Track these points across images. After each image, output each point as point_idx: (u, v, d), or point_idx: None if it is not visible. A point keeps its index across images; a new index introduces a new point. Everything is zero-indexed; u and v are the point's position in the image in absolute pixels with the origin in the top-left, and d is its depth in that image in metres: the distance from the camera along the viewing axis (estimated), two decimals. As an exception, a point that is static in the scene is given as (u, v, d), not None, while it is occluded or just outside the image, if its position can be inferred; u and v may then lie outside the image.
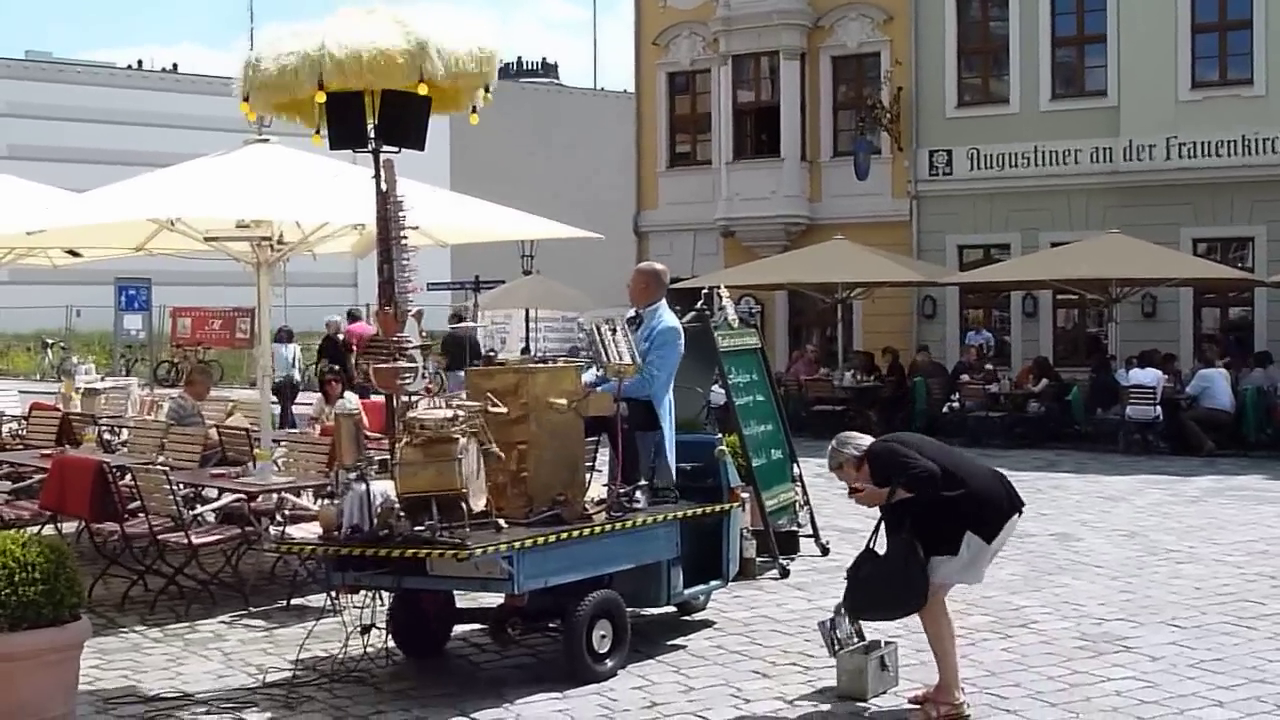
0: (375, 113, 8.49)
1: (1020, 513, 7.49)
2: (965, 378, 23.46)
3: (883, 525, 7.43)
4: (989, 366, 24.31)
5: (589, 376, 9.25)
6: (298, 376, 24.81)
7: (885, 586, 7.27)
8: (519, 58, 72.77)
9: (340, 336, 24.63)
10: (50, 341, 42.86)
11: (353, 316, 27.58)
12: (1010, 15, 26.98)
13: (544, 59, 76.00)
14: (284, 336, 25.38)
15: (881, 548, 7.39)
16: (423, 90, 8.31)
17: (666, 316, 9.41)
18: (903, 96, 27.76)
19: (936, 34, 27.61)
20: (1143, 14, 25.19)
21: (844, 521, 13.13)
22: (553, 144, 58.13)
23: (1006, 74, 27.14)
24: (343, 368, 19.06)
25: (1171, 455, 20.38)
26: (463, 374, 20.17)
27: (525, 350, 24.70)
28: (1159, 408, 20.90)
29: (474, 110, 8.90)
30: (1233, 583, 10.93)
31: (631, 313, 9.55)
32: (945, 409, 23.15)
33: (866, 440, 7.56)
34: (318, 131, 8.64)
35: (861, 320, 27.81)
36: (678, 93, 31.19)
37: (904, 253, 26.93)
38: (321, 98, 8.37)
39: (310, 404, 17.65)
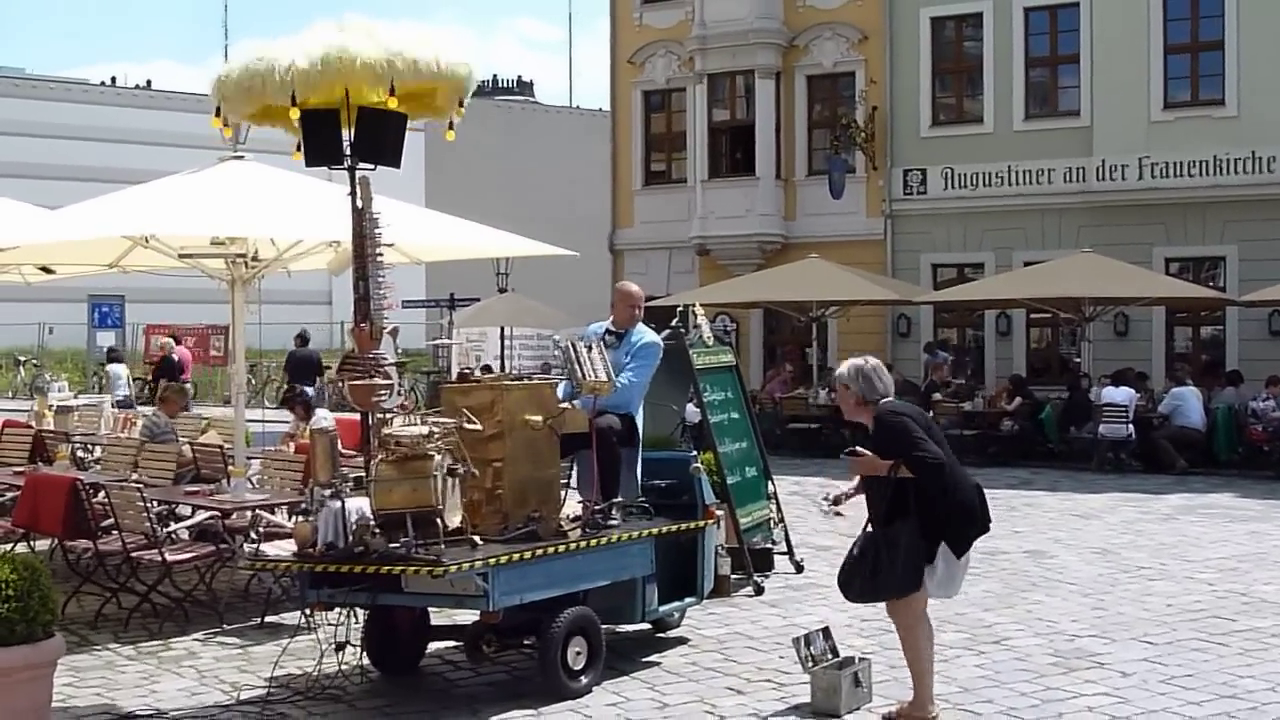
0: (351, 130, 8.51)
1: (987, 529, 7.49)
2: (938, 396, 23.54)
3: (868, 506, 7.36)
4: (957, 381, 24.41)
5: (562, 393, 9.27)
6: (129, 394, 25.58)
7: (891, 566, 7.14)
8: (494, 75, 72.80)
9: (174, 357, 27.15)
10: (23, 359, 42.62)
11: (177, 340, 29.72)
12: (984, 35, 27.17)
13: (519, 77, 76.02)
14: (115, 357, 27.47)
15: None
16: (393, 104, 8.33)
17: (648, 333, 9.69)
18: (877, 116, 27.90)
19: (911, 54, 27.76)
20: (1116, 35, 25.39)
21: (819, 539, 13.17)
22: (528, 162, 58.15)
23: (981, 94, 27.32)
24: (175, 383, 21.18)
25: (1144, 473, 20.49)
26: (311, 386, 19.92)
27: (486, 369, 24.69)
28: (1131, 426, 21.01)
29: (450, 126, 8.92)
30: (1204, 600, 11.00)
31: (600, 327, 9.65)
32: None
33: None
34: (299, 148, 8.64)
35: (836, 339, 27.88)
36: (653, 111, 31.27)
37: (878, 271, 27.03)
38: (295, 114, 8.39)
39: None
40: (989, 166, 26.81)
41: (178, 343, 29.28)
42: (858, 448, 7.28)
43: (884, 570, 7.19)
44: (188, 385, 25.05)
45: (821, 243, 26.98)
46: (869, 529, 7.38)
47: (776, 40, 28.72)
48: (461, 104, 8.82)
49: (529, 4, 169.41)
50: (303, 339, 28.11)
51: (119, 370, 26.84)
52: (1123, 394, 21.14)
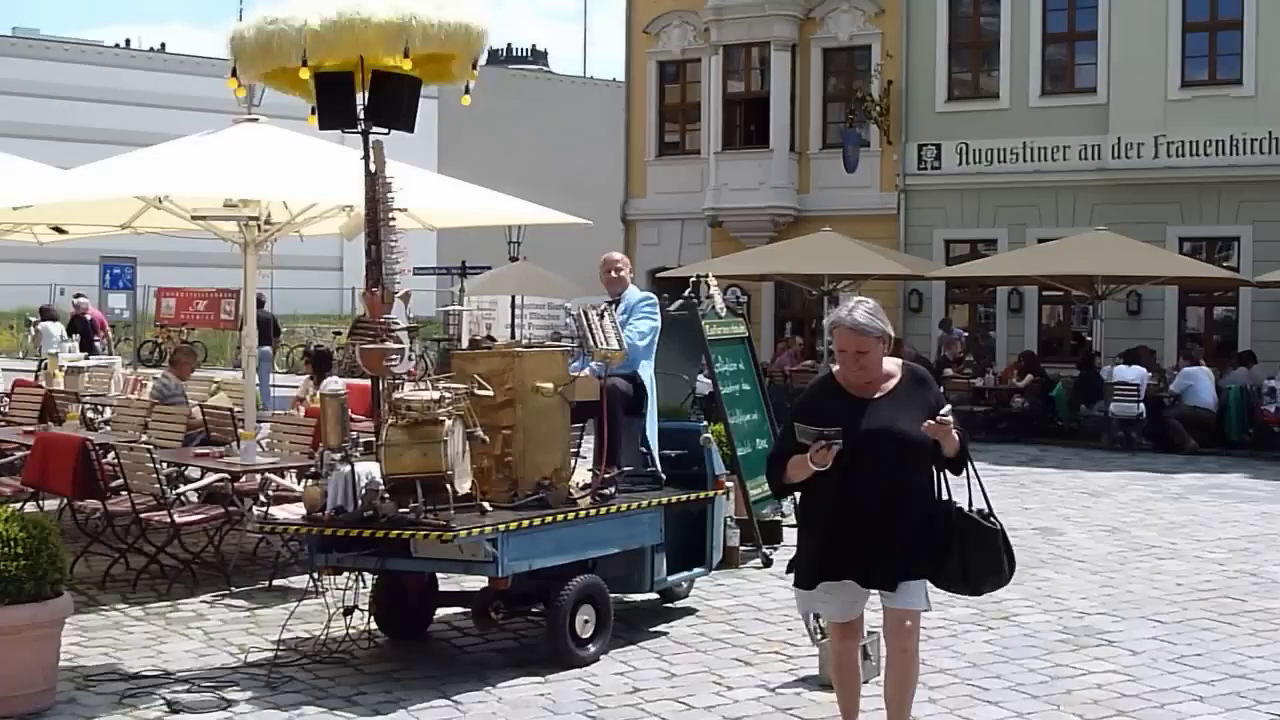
0: (365, 93, 8.46)
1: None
2: (949, 371, 23.49)
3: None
4: (969, 357, 24.37)
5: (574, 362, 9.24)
6: (55, 351, 25.71)
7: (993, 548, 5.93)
8: (508, 44, 72.65)
9: (88, 317, 27.52)
10: (33, 319, 42.66)
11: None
12: (1001, 10, 27.00)
13: (533, 46, 75.73)
14: (49, 314, 27.79)
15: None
16: (407, 65, 8.28)
17: (638, 292, 9.60)
18: (893, 90, 27.77)
19: (928, 28, 27.61)
20: (1134, 12, 25.23)
21: (827, 512, 13.15)
22: (541, 131, 58.02)
23: (997, 69, 27.17)
24: (87, 345, 23.96)
25: (1154, 452, 20.45)
26: (267, 348, 20.47)
27: (490, 339, 24.64)
28: (1143, 405, 20.95)
29: (466, 91, 8.86)
30: (1214, 579, 10.97)
31: (601, 302, 9.61)
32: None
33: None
34: (313, 111, 8.60)
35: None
36: (668, 82, 31.16)
37: (891, 246, 26.95)
38: (306, 74, 8.34)
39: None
40: (1004, 143, 26.69)
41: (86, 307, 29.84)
42: (948, 410, 5.82)
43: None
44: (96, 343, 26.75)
45: (834, 216, 26.89)
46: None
47: (793, 12, 28.58)
48: (475, 66, 8.75)
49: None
50: (259, 302, 29.13)
51: (51, 328, 27.15)
52: (1134, 373, 21.07)
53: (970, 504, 5.95)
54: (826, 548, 5.88)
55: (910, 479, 5.83)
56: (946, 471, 5.94)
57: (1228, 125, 24.50)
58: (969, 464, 5.88)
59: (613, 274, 9.52)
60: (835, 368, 5.89)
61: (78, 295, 29.48)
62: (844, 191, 28.07)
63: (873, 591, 6.01)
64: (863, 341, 5.71)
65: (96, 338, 27.17)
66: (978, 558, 5.88)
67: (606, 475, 8.59)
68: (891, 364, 5.91)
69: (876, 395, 5.83)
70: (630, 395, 9.07)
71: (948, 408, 5.76)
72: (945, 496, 5.95)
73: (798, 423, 5.76)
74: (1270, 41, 24.29)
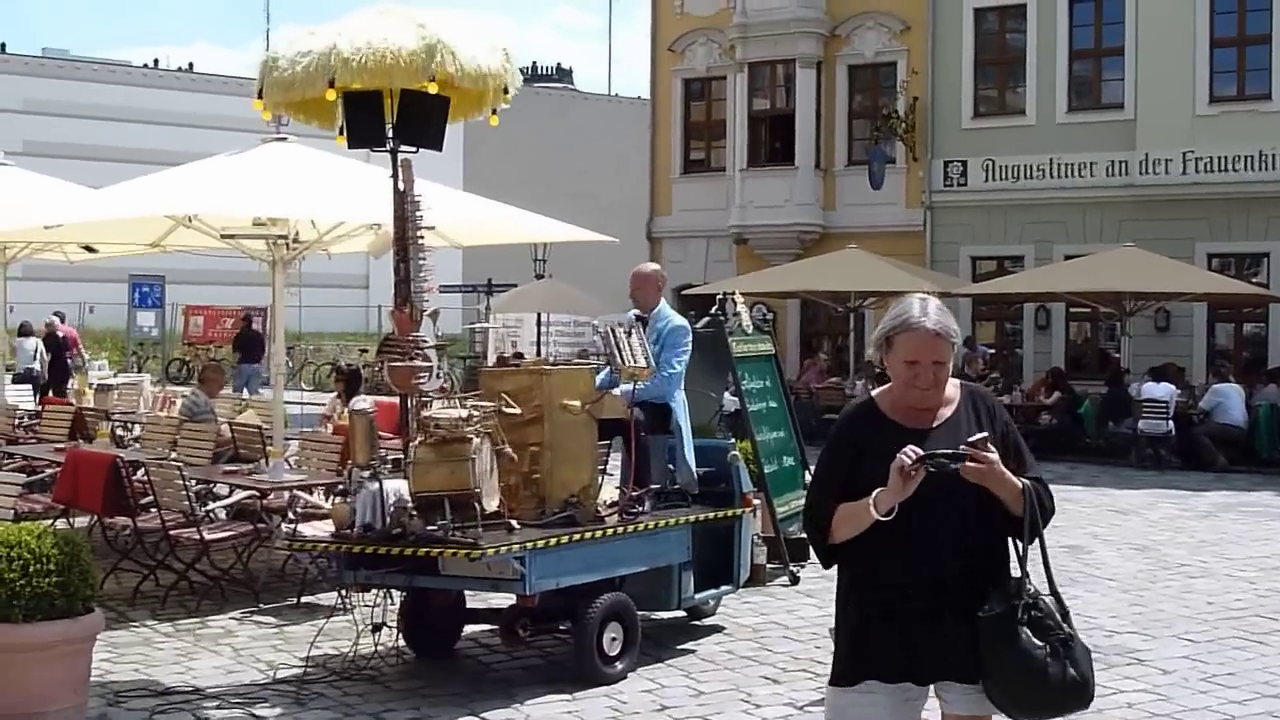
0: (394, 112, 8.50)
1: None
2: (974, 388, 23.37)
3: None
4: (994, 375, 24.30)
5: (601, 378, 9.26)
6: (38, 368, 25.84)
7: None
8: (533, 63, 72.72)
9: (60, 335, 27.69)
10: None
11: (62, 318, 30.16)
12: (1028, 27, 26.96)
13: (558, 64, 75.94)
14: (26, 330, 27.70)
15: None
16: (433, 89, 8.31)
17: (673, 316, 9.60)
18: (918, 106, 27.76)
19: (954, 44, 27.59)
20: (1161, 28, 25.15)
21: (855, 529, 13.11)
22: (566, 149, 58.08)
23: (1023, 85, 27.12)
24: (59, 362, 25.34)
25: (1183, 470, 20.33)
26: (257, 365, 20.73)
27: (518, 355, 24.60)
28: (1171, 422, 20.84)
29: (494, 112, 8.90)
30: (1245, 598, 10.90)
31: (629, 316, 9.60)
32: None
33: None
34: (341, 131, 8.64)
35: (873, 330, 27.71)
36: (693, 99, 31.21)
37: (917, 263, 26.89)
38: (333, 95, 8.38)
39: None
40: (1030, 159, 26.63)
41: (62, 321, 29.98)
42: (985, 437, 4.25)
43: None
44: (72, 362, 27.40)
45: (860, 233, 26.87)
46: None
47: (818, 29, 28.59)
48: (507, 91, 8.78)
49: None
50: (248, 320, 33.03)
51: (27, 343, 27.16)
52: (1163, 389, 20.97)
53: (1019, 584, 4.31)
54: (876, 635, 4.32)
55: (988, 539, 4.34)
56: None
57: (1256, 141, 24.39)
58: (1036, 529, 4.28)
59: (654, 289, 9.52)
60: (875, 391, 4.54)
61: (55, 313, 29.81)
62: (870, 208, 28.05)
63: (931, 693, 4.41)
64: (942, 348, 4.30)
65: (69, 355, 27.60)
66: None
67: (636, 493, 8.59)
68: (949, 383, 4.46)
69: (935, 424, 4.37)
70: (652, 417, 9.09)
71: (981, 435, 4.23)
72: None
73: (932, 452, 4.13)
74: (1299, 57, 24.20)
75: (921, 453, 4.12)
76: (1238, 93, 25.10)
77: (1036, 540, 4.27)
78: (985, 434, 4.24)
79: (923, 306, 4.33)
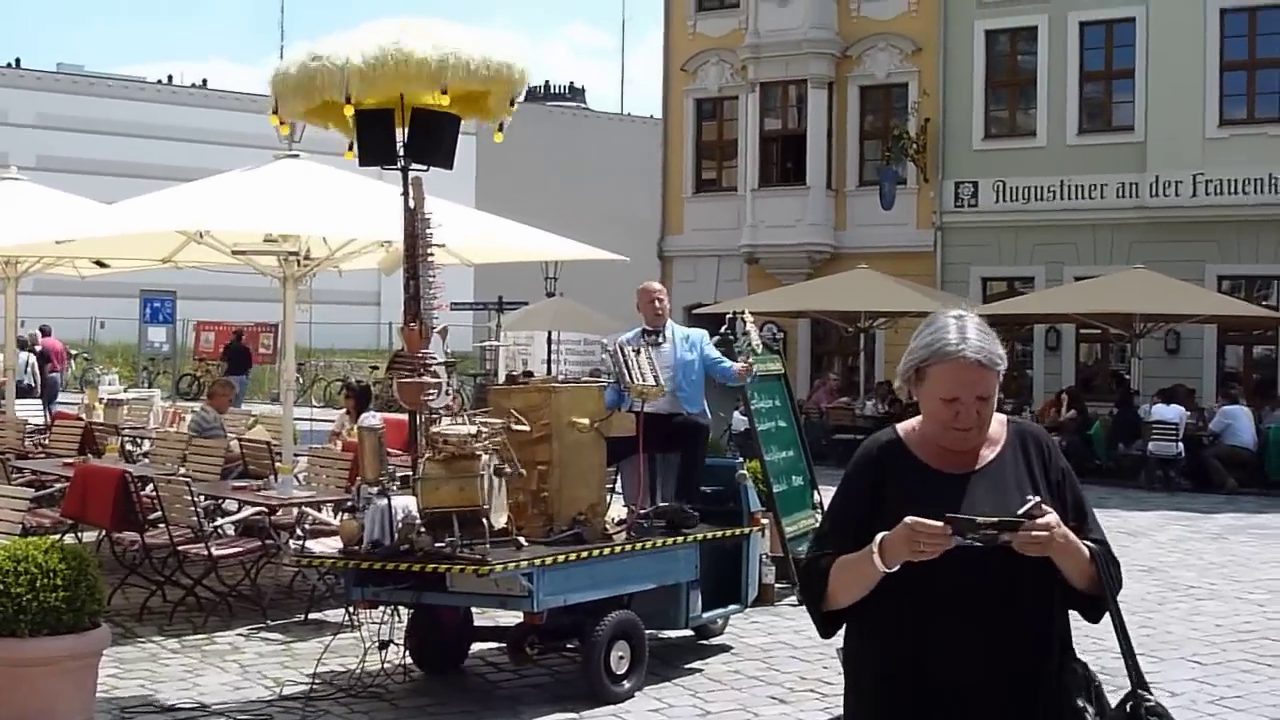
0: (405, 130, 8.54)
1: None
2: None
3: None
4: (1001, 396, 24.23)
5: (609, 398, 9.28)
6: (29, 381, 26.02)
7: None
8: (546, 82, 72.94)
9: (38, 348, 27.81)
10: (74, 352, 43.04)
11: (45, 332, 30.46)
12: (1039, 49, 26.99)
13: (571, 83, 76.15)
14: (23, 344, 28.27)
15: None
16: (446, 102, 8.35)
17: (685, 328, 9.86)
18: (930, 127, 27.79)
19: (965, 66, 27.63)
20: (1171, 50, 25.17)
21: (863, 550, 13.09)
22: (578, 168, 58.21)
23: (1034, 107, 27.14)
24: (43, 374, 25.53)
25: (1193, 492, 20.29)
26: (243, 378, 20.95)
27: (528, 374, 24.66)
28: (1181, 444, 20.80)
29: (500, 128, 8.93)
30: (1254, 620, 10.86)
31: (626, 336, 9.70)
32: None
33: None
34: (351, 147, 8.69)
35: (884, 350, 27.76)
36: (705, 119, 31.27)
37: (928, 284, 26.89)
38: (349, 111, 8.43)
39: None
40: (1041, 180, 26.64)
41: (45, 334, 30.20)
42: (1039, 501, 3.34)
43: None
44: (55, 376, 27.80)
45: (871, 253, 26.88)
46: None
47: (830, 50, 28.64)
48: (513, 103, 8.83)
49: (582, 10, 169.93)
50: (238, 335, 34.75)
51: (24, 356, 27.66)
52: (1173, 411, 20.93)
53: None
54: None
55: (1038, 622, 3.43)
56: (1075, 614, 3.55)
57: (1266, 164, 24.38)
58: (1112, 603, 3.46)
59: (656, 304, 9.63)
60: (903, 428, 3.64)
61: (40, 326, 30.04)
62: (881, 229, 28.07)
63: None
64: (987, 380, 3.45)
65: (50, 367, 27.82)
66: None
67: (644, 510, 8.59)
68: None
69: (975, 468, 3.51)
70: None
71: (1035, 499, 3.34)
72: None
73: (950, 515, 3.25)
74: (1310, 80, 24.21)
75: (956, 516, 3.23)
76: (1248, 115, 25.11)
77: (1116, 618, 3.47)
78: (1038, 497, 3.33)
79: (960, 330, 3.47)
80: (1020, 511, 3.26)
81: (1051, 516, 3.27)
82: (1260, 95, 25.02)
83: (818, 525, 3.62)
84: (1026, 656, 3.40)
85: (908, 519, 3.24)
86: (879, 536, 3.30)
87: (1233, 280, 25.35)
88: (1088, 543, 3.41)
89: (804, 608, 3.69)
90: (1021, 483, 3.47)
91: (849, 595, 3.43)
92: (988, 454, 3.54)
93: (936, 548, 3.21)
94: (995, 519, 3.24)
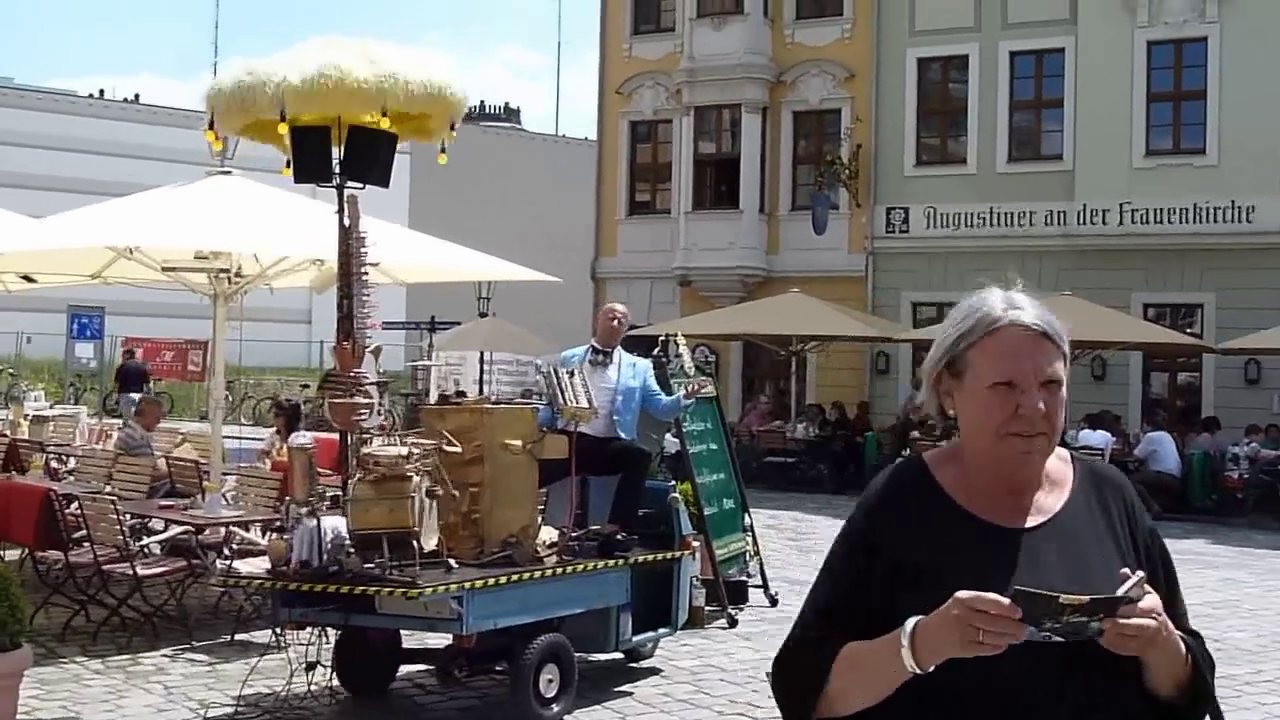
0: (341, 147, 8.51)
1: None
2: (916, 434, 23.52)
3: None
4: (932, 421, 24.41)
5: (541, 419, 9.28)
6: None
7: None
8: (481, 101, 72.89)
9: None
10: (0, 368, 42.43)
11: None
12: (970, 78, 27.34)
13: (506, 104, 76.19)
14: None
15: None
16: (385, 124, 8.34)
17: (629, 355, 9.94)
18: (862, 153, 28.03)
19: (897, 93, 27.92)
20: (1100, 81, 25.57)
21: (793, 573, 13.15)
22: (513, 188, 58.21)
23: (964, 135, 27.47)
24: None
25: (1118, 517, 20.47)
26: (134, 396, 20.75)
27: (460, 394, 24.49)
28: (1107, 470, 21.01)
29: (442, 150, 8.93)
30: (1176, 645, 10.97)
31: (574, 353, 9.72)
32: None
33: None
34: (288, 164, 8.64)
35: (815, 374, 27.93)
36: (640, 141, 31.38)
37: (859, 308, 27.11)
38: (284, 129, 8.39)
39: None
40: (971, 207, 26.95)
41: None
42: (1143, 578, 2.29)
43: None
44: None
45: (803, 277, 27.04)
46: None
47: (764, 75, 28.84)
48: (453, 127, 8.83)
49: (518, 31, 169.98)
50: (130, 354, 34.11)
51: None
52: (1099, 437, 21.20)
53: None
54: None
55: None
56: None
57: (1192, 193, 24.79)
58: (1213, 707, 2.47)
59: (615, 323, 9.71)
60: (933, 458, 2.61)
61: None
62: (813, 253, 28.25)
63: None
64: (1053, 357, 2.64)
65: None
66: None
67: (576, 533, 8.59)
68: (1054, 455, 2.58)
69: (1032, 524, 2.49)
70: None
71: (1139, 575, 2.28)
72: None
73: (1018, 588, 2.18)
74: (1233, 112, 24.63)
75: (1032, 591, 2.15)
76: (1173, 146, 25.53)
77: None
78: (1141, 573, 2.30)
79: (1008, 297, 2.69)
80: (1121, 591, 2.23)
81: (1154, 599, 2.28)
82: (1185, 126, 25.44)
83: (804, 603, 2.52)
84: None
85: (960, 594, 2.17)
86: (910, 622, 2.25)
87: (1158, 308, 25.73)
88: (1183, 635, 2.44)
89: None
90: (1104, 546, 2.48)
91: (861, 699, 2.37)
92: (1053, 501, 2.52)
93: (1002, 639, 2.15)
94: (1086, 598, 2.17)
